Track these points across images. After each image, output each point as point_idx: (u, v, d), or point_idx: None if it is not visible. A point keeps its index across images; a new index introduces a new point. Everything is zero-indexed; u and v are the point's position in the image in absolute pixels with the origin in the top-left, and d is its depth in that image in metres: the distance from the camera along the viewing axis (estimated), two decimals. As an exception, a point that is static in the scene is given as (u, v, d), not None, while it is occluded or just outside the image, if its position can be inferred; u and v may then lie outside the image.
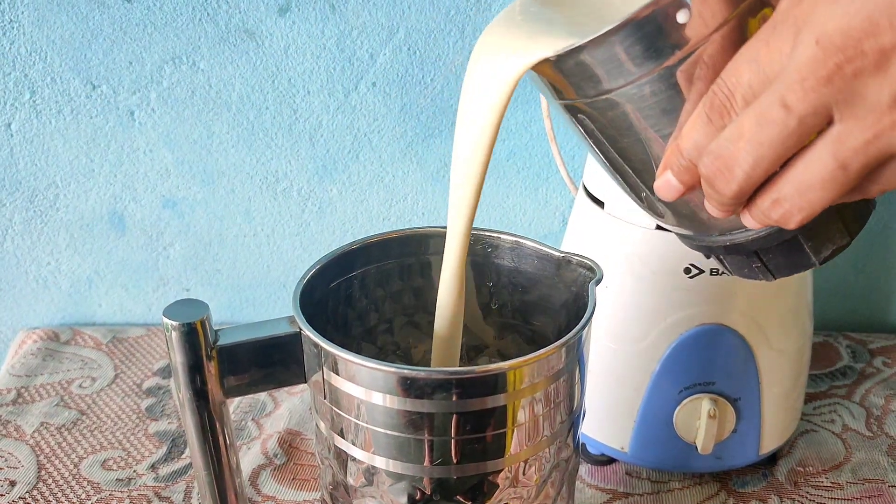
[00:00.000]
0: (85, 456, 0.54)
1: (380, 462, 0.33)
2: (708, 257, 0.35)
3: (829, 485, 0.52)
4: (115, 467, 0.53)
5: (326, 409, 0.34)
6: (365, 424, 0.33)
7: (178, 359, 0.32)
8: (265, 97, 0.61)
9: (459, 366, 0.44)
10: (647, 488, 0.52)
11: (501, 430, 0.32)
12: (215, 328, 0.34)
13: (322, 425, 0.35)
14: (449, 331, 0.37)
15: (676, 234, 0.36)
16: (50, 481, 0.52)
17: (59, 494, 0.51)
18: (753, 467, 0.53)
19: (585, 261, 0.37)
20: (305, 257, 0.67)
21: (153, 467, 0.53)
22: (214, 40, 0.60)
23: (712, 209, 0.29)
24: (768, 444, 0.51)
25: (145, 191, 0.64)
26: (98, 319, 0.69)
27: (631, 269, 0.48)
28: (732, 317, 0.47)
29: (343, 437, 0.34)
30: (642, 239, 0.47)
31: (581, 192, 0.52)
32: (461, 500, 0.33)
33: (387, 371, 0.31)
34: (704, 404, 0.48)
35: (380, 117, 0.62)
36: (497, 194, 0.65)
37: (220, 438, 0.34)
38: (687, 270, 0.47)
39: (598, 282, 0.36)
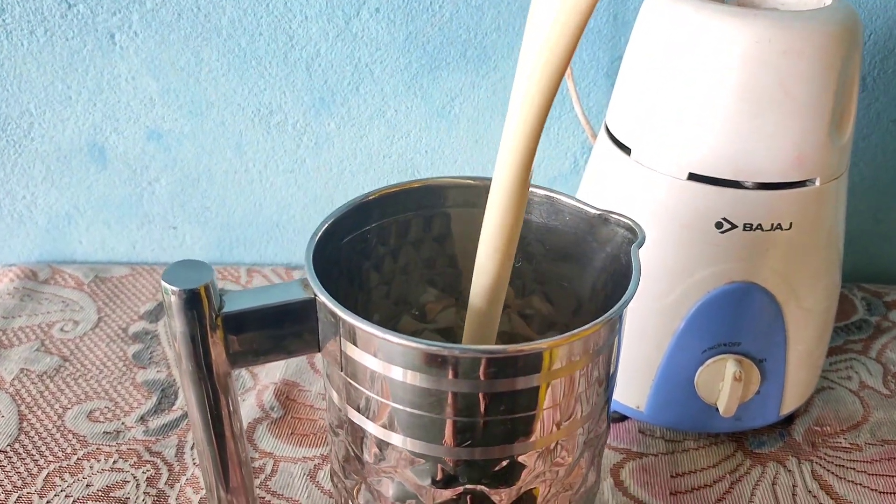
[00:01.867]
0: (69, 406, 0.51)
1: (399, 440, 0.30)
2: None
3: (848, 445, 0.50)
4: (101, 419, 0.50)
5: (341, 381, 0.31)
6: (385, 400, 0.30)
7: (178, 327, 0.29)
8: (258, 22, 0.56)
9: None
10: (661, 447, 0.50)
11: (534, 412, 0.29)
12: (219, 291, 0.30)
13: (335, 396, 0.32)
14: (489, 303, 0.34)
15: None
16: (33, 433, 0.49)
17: (43, 448, 0.48)
18: (770, 427, 0.51)
19: (625, 220, 0.34)
20: (300, 195, 0.63)
21: (142, 419, 0.50)
22: (203, -43, 0.54)
23: None
24: (789, 405, 0.49)
25: (128, 121, 0.60)
26: (78, 257, 0.65)
27: (657, 222, 0.45)
28: (763, 274, 0.44)
29: (359, 412, 0.31)
30: (672, 189, 0.44)
31: (603, 135, 0.49)
32: (487, 481, 0.31)
33: (412, 346, 0.28)
34: (729, 366, 0.45)
35: (382, 46, 0.58)
36: (506, 132, 0.61)
37: (225, 411, 0.31)
38: (718, 225, 0.43)
39: (641, 245, 0.33)
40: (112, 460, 0.47)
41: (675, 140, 0.43)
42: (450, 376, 0.28)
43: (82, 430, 0.49)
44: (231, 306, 0.29)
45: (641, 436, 0.51)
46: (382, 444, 0.31)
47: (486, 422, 0.29)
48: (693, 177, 0.43)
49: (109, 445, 0.48)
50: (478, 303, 0.34)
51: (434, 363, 0.28)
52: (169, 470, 0.47)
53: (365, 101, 0.60)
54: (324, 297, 0.29)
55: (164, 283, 0.28)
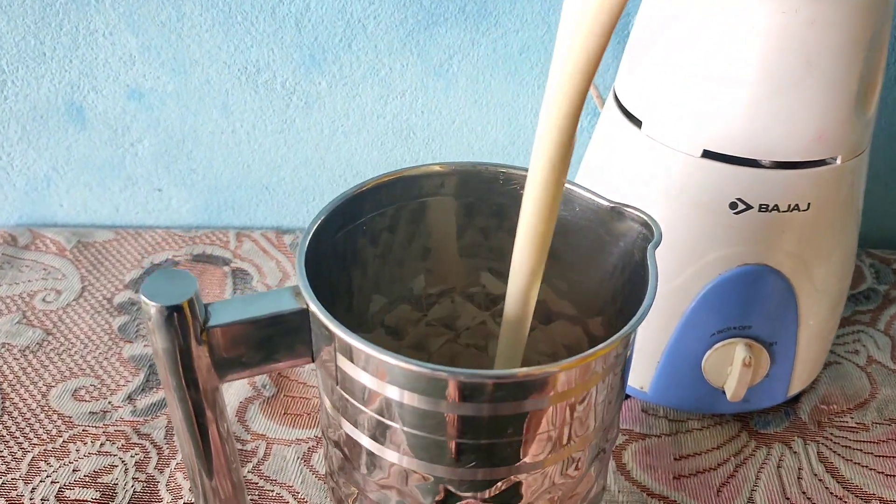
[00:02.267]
0: (54, 384, 0.49)
1: (397, 458, 0.29)
2: None
3: (855, 425, 0.49)
4: (87, 398, 0.49)
5: (337, 395, 0.29)
6: (383, 419, 0.28)
7: (161, 344, 0.27)
8: (243, -26, 0.53)
9: (479, 314, 0.39)
10: (664, 428, 0.48)
11: (543, 432, 0.27)
12: (205, 303, 0.28)
13: (328, 405, 0.30)
14: (522, 305, 0.31)
15: None
16: (16, 413, 0.47)
17: (27, 429, 0.46)
18: (775, 406, 0.49)
19: (640, 215, 0.32)
20: (290, 157, 0.60)
21: (130, 398, 0.49)
22: None
23: None
24: (797, 386, 0.48)
25: (107, 80, 0.56)
26: (60, 220, 0.63)
27: (669, 201, 0.42)
28: (778, 257, 0.42)
29: (355, 427, 0.29)
30: (685, 166, 0.41)
31: (611, 104, 0.46)
32: (492, 499, 0.29)
33: (413, 370, 0.26)
34: (738, 350, 0.44)
35: (376, 0, 0.54)
36: (506, 93, 0.58)
37: (213, 426, 0.29)
38: (733, 205, 0.41)
39: (657, 245, 0.31)
40: (99, 443, 0.46)
41: (689, 115, 0.40)
42: (453, 400, 0.26)
43: (67, 409, 0.48)
44: (217, 319, 0.27)
45: (644, 415, 0.49)
46: (380, 460, 0.29)
47: (492, 444, 0.27)
48: (707, 154, 0.41)
49: (96, 427, 0.47)
50: (512, 306, 0.32)
51: (437, 386, 0.26)
52: (158, 453, 0.45)
53: (357, 59, 0.56)
54: (316, 309, 0.27)
55: (143, 298, 0.26)
